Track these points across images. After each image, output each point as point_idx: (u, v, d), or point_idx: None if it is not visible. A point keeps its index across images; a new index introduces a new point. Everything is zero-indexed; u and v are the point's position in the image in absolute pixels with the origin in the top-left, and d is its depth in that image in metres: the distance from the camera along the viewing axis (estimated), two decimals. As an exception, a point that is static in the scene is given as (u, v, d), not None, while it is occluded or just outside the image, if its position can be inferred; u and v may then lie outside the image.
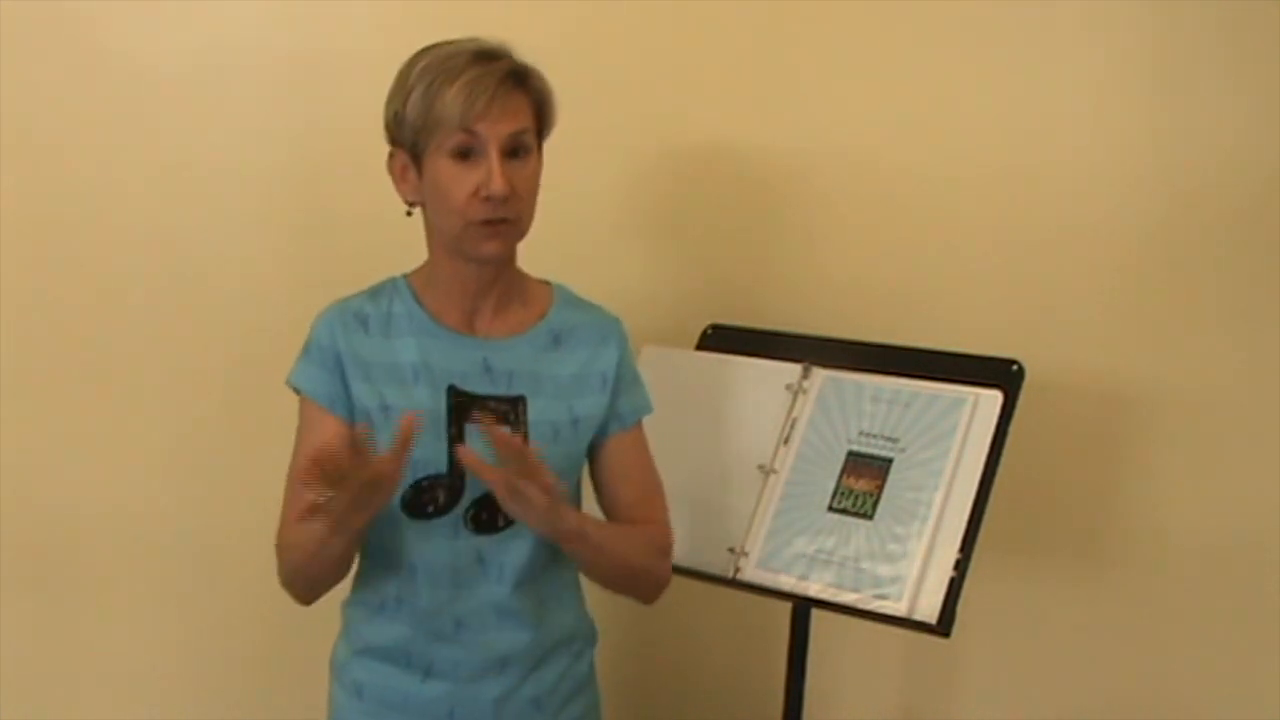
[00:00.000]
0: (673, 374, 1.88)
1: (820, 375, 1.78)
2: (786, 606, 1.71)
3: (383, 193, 2.03)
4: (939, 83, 2.02)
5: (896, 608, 1.58)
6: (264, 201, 2.07)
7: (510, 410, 1.51)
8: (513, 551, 1.52)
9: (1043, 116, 2.00)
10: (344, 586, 1.58)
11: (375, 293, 1.56)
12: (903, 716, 2.19)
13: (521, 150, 1.45)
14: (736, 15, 2.05)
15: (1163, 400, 2.00)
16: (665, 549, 1.62)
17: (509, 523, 1.51)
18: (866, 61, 2.04)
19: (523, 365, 1.53)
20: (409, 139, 1.45)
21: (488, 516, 1.50)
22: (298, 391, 1.54)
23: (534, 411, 1.52)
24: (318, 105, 2.05)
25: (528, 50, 1.49)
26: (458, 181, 1.43)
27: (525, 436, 1.50)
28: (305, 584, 1.51)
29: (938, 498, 1.61)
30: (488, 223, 1.44)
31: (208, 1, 2.02)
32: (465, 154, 1.42)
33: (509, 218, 1.45)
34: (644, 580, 1.60)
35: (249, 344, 2.08)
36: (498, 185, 1.41)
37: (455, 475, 1.49)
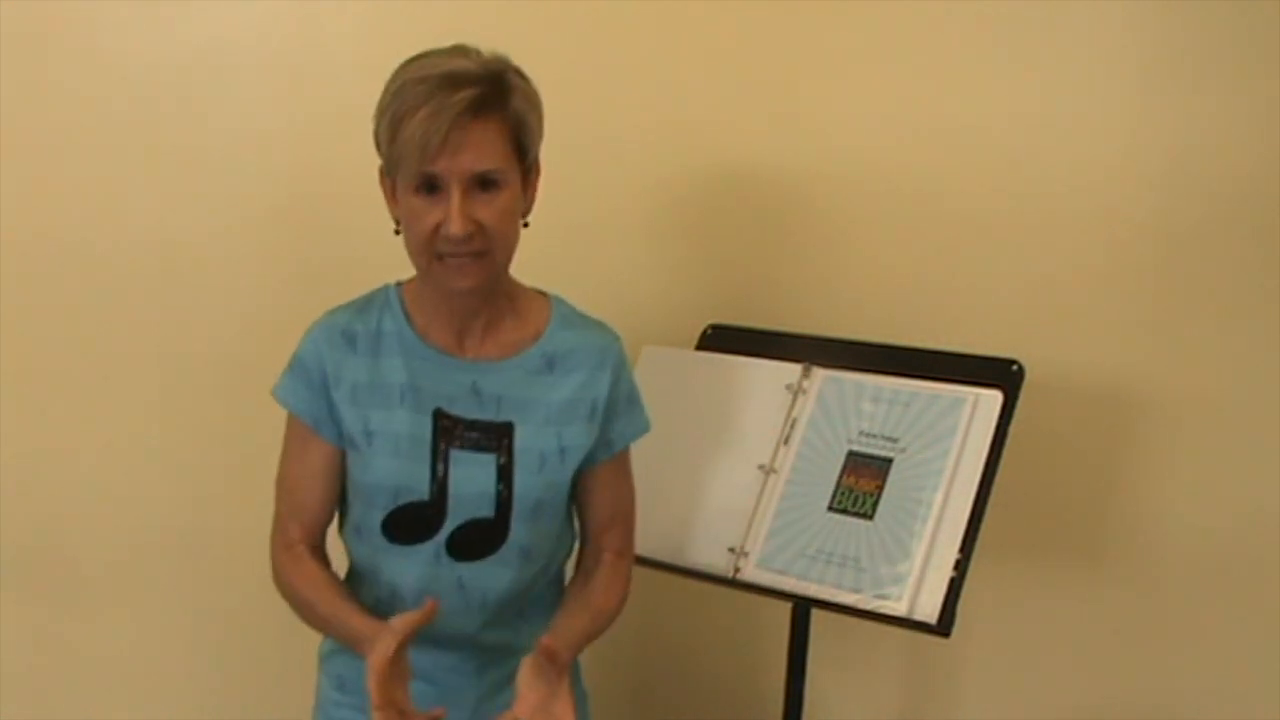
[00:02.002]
0: (673, 374, 1.87)
1: (820, 375, 1.78)
2: (786, 606, 1.71)
3: (379, 194, 2.04)
4: (937, 83, 2.02)
5: (896, 608, 1.58)
6: (263, 201, 2.07)
7: (496, 437, 1.48)
8: (494, 579, 1.51)
9: (1041, 116, 2.00)
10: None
11: (366, 306, 1.52)
12: (903, 716, 2.19)
13: (491, 183, 1.39)
14: (733, 22, 2.04)
15: (1163, 400, 2.00)
16: (627, 581, 1.62)
17: (491, 551, 1.49)
18: (865, 63, 2.04)
19: (513, 390, 1.49)
20: (383, 164, 1.43)
21: (469, 544, 1.49)
22: (282, 404, 1.52)
23: (521, 439, 1.49)
24: (316, 105, 2.05)
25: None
26: (421, 217, 1.38)
27: (511, 463, 1.48)
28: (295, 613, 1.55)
29: (938, 498, 1.61)
30: (451, 257, 1.40)
31: (206, 2, 2.02)
32: (429, 190, 1.38)
33: (478, 251, 1.40)
34: None
35: (247, 344, 2.08)
36: (455, 227, 1.36)
37: (437, 501, 1.47)
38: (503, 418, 1.48)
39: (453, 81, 1.35)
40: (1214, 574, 2.02)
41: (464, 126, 1.35)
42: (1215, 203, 1.97)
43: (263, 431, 2.00)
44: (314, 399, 1.49)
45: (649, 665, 2.24)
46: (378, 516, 1.48)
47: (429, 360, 1.49)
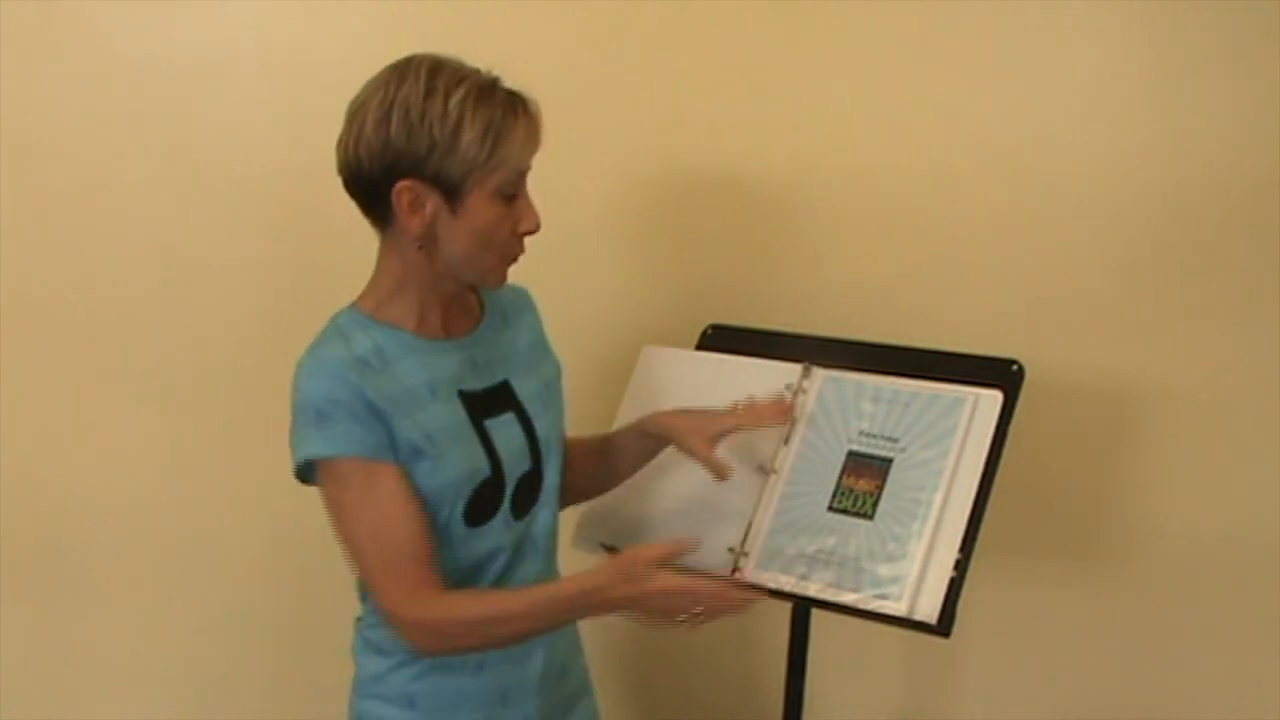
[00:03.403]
0: (673, 374, 1.87)
1: (820, 375, 1.78)
2: (786, 606, 1.71)
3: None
4: (937, 82, 2.02)
5: (896, 608, 1.58)
6: (262, 202, 2.08)
7: (504, 397, 1.56)
8: (543, 523, 1.60)
9: (1042, 116, 2.00)
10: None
11: (341, 334, 1.47)
12: (903, 716, 2.19)
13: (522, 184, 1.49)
14: (735, 21, 2.04)
15: (1163, 400, 2.00)
16: None
17: (536, 498, 1.57)
18: (865, 62, 2.04)
19: (493, 352, 1.57)
20: (455, 175, 1.39)
21: (524, 499, 1.55)
22: (326, 460, 1.42)
23: (519, 390, 1.57)
24: (317, 106, 2.03)
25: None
26: (503, 220, 1.45)
27: (525, 414, 1.56)
28: (481, 648, 1.52)
29: (938, 498, 1.61)
30: (511, 258, 1.50)
31: (206, 2, 2.02)
32: (509, 193, 1.44)
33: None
34: None
35: (248, 343, 2.08)
36: (537, 221, 1.47)
37: (496, 471, 1.51)
38: (499, 379, 1.56)
39: (506, 88, 1.44)
40: (1214, 574, 2.02)
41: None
42: (1216, 203, 1.97)
43: (265, 430, 1.99)
44: (365, 430, 1.41)
45: (649, 665, 2.24)
46: (460, 509, 1.49)
47: (430, 352, 1.51)
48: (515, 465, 1.53)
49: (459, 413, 1.50)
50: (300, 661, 2.16)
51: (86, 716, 2.16)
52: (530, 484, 1.56)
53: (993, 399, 1.65)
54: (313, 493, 2.14)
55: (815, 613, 1.69)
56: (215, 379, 2.11)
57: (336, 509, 1.44)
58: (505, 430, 1.53)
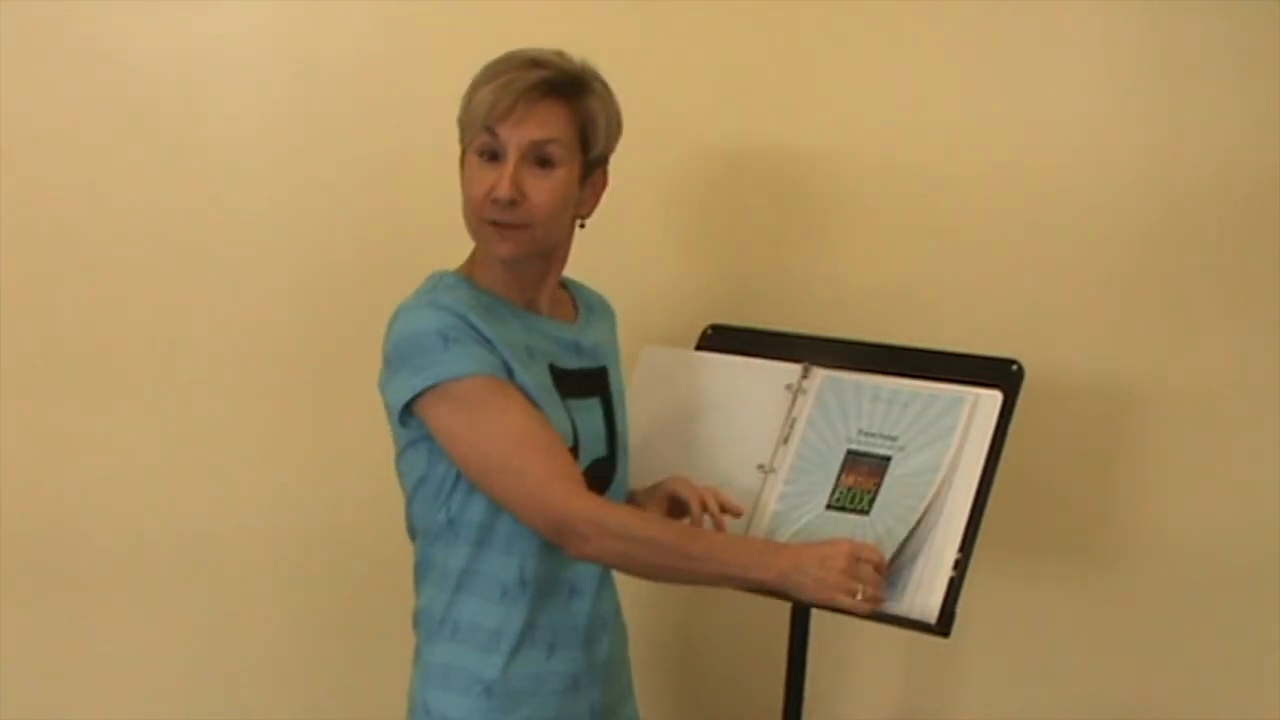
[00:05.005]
0: (673, 374, 1.87)
1: (820, 375, 1.77)
2: (786, 606, 1.71)
3: (382, 192, 2.04)
4: (937, 83, 2.02)
5: (896, 608, 1.58)
6: (264, 201, 2.08)
7: (596, 381, 1.59)
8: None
9: (1042, 116, 2.00)
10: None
11: (449, 288, 1.50)
12: (903, 716, 2.19)
13: (547, 161, 1.47)
14: (735, 25, 2.04)
15: (1162, 400, 2.00)
16: None
17: (605, 488, 1.55)
18: (864, 62, 2.04)
19: (597, 337, 1.62)
20: (460, 134, 1.50)
21: (594, 483, 1.52)
22: (454, 382, 1.42)
23: (611, 381, 1.61)
24: (316, 106, 2.05)
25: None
26: (477, 179, 1.47)
27: (610, 403, 1.60)
28: (630, 566, 1.50)
29: (932, 495, 1.60)
30: (496, 224, 1.46)
31: (206, 1, 2.02)
32: (491, 155, 1.46)
33: (517, 222, 1.46)
34: None
35: (250, 343, 2.08)
36: (502, 189, 1.44)
37: (574, 445, 1.51)
38: (599, 363, 1.60)
39: (534, 63, 1.46)
40: (1213, 574, 2.02)
41: (533, 101, 1.44)
42: (1216, 205, 1.97)
43: (267, 430, 1.99)
44: (490, 354, 1.44)
45: (648, 665, 2.24)
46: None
47: (527, 320, 1.54)
48: (592, 447, 1.54)
49: (549, 381, 1.52)
50: (301, 661, 2.16)
51: (86, 716, 2.15)
52: (602, 471, 1.56)
53: (992, 399, 1.64)
54: (313, 492, 2.15)
55: (815, 612, 1.69)
56: (216, 378, 2.10)
57: (475, 429, 1.44)
58: (586, 413, 1.55)
